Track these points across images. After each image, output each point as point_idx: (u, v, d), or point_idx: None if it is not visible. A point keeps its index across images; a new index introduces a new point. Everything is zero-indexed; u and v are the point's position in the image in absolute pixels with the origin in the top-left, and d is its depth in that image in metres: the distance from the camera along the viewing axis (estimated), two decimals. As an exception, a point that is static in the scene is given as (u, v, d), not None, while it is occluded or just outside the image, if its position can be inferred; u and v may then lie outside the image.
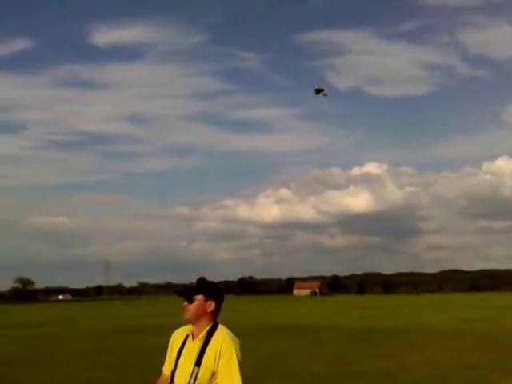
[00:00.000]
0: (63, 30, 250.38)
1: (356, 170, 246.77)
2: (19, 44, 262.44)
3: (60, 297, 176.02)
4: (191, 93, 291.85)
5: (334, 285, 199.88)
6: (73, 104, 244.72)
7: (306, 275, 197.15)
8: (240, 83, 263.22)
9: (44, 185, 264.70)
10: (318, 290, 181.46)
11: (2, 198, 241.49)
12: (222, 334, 3.93)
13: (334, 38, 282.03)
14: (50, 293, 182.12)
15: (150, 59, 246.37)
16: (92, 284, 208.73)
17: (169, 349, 4.16)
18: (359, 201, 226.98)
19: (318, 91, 71.49)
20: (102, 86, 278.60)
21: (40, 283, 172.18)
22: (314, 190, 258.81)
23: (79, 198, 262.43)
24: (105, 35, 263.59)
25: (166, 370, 4.12)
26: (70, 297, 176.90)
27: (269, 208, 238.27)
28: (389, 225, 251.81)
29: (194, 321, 3.99)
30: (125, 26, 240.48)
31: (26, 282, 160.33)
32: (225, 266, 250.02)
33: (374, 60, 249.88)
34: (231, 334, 3.98)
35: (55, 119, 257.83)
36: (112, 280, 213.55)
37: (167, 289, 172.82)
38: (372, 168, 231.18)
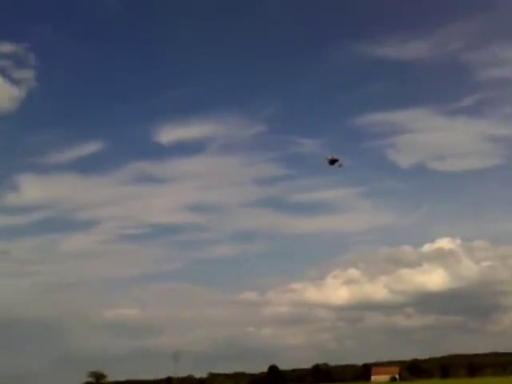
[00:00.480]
0: (131, 131, 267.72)
1: (427, 247, 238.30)
2: (92, 146, 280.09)
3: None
4: (252, 180, 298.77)
5: (414, 369, 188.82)
6: (141, 198, 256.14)
7: (382, 360, 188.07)
8: (300, 167, 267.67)
9: (117, 277, 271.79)
10: (397, 376, 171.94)
11: (76, 292, 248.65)
12: None
13: (393, 119, 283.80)
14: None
15: (211, 152, 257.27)
16: (162, 375, 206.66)
17: None
18: (434, 278, 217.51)
19: (332, 162, 69.98)
20: (167, 180, 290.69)
21: (112, 376, 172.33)
22: (384, 269, 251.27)
23: (150, 288, 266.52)
24: (168, 133, 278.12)
25: None
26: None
27: (337, 289, 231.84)
28: (468, 302, 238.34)
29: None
30: (186, 124, 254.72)
31: (98, 376, 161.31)
32: (296, 351, 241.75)
33: (436, 136, 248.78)
34: None
35: (126, 214, 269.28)
36: (182, 370, 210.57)
37: (237, 378, 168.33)
38: (444, 243, 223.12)
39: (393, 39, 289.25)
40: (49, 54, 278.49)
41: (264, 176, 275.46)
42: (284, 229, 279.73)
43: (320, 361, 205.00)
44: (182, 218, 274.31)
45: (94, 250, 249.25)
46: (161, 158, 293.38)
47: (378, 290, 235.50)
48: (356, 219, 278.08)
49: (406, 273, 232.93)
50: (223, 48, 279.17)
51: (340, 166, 64.42)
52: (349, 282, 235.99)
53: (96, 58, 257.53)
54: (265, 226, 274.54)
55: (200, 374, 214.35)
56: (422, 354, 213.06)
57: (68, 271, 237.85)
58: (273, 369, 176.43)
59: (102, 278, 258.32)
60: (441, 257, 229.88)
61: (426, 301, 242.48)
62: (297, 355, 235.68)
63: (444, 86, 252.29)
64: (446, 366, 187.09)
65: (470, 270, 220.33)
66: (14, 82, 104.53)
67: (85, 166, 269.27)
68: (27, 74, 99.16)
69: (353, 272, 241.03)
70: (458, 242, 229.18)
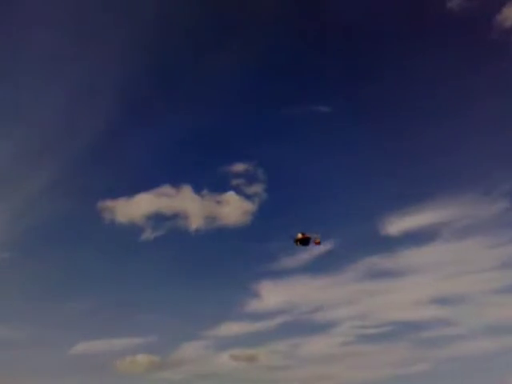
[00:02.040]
0: (358, 228, 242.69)
1: None
2: (322, 247, 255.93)
3: None
4: (499, 264, 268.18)
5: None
6: (376, 295, 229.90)
7: None
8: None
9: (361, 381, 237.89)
10: None
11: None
12: None
13: None
14: None
15: (445, 238, 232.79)
16: None
17: None
18: None
19: (303, 241, 64.01)
20: (401, 273, 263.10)
21: None
22: None
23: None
24: (396, 224, 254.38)
25: None
26: None
27: None
28: None
29: None
30: (414, 213, 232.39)
31: None
32: None
33: None
34: None
35: (363, 312, 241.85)
36: None
37: None
38: None
39: None
40: (274, 168, 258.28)
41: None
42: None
43: None
44: (425, 312, 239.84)
45: (335, 353, 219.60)
46: (391, 250, 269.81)
47: None
48: None
49: None
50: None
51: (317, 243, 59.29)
52: None
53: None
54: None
55: None
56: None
57: (310, 377, 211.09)
58: None
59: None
60: None
61: None
62: None
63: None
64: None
65: None
66: (247, 197, 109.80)
67: (316, 267, 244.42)
68: (257, 189, 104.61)
69: None
70: None
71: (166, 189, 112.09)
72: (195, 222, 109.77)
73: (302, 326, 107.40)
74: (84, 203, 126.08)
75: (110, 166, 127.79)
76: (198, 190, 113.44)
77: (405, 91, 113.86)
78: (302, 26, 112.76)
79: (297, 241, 59.76)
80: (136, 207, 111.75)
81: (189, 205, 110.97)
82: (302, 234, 59.04)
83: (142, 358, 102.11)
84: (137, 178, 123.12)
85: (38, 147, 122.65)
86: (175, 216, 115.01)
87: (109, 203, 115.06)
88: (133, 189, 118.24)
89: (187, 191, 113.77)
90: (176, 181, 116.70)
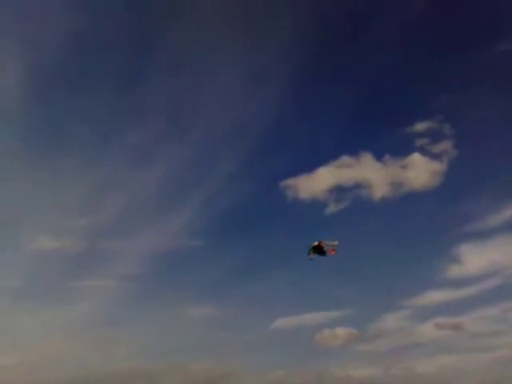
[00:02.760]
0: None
1: None
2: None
3: None
4: None
5: None
6: None
7: None
8: None
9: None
10: None
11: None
12: None
13: None
14: None
15: None
16: None
17: None
18: None
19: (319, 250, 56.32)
20: None
21: None
22: None
23: None
24: None
25: None
26: None
27: None
28: None
29: None
30: None
31: None
32: None
33: None
34: None
35: None
36: None
37: None
38: None
39: None
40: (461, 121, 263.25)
41: None
42: None
43: None
44: None
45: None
46: None
47: None
48: None
49: None
50: None
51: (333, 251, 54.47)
52: None
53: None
54: None
55: None
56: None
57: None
58: None
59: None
60: None
61: None
62: None
63: None
64: None
65: None
66: (434, 157, 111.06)
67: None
68: (445, 146, 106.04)
69: None
70: None
71: (345, 159, 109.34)
72: (379, 191, 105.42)
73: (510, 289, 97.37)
74: (267, 184, 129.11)
75: (287, 145, 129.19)
76: (378, 156, 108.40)
77: None
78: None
79: (313, 249, 54.04)
80: (317, 182, 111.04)
81: (371, 173, 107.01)
82: (319, 243, 53.71)
83: (341, 332, 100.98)
84: (314, 153, 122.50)
85: (221, 136, 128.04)
86: (357, 186, 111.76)
87: (290, 181, 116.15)
88: (312, 164, 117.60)
89: (367, 159, 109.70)
90: (354, 150, 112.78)
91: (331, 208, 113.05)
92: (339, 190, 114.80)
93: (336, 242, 53.78)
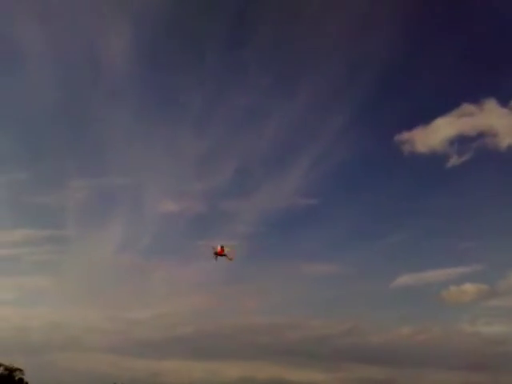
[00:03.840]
0: None
1: None
2: None
3: None
4: None
5: None
6: None
7: None
8: None
9: None
10: None
11: None
12: None
13: None
14: None
15: None
16: None
17: None
18: None
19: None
20: None
21: None
22: None
23: None
24: None
25: None
26: None
27: None
28: None
29: None
30: None
31: None
32: None
33: None
34: None
35: None
36: None
37: None
38: None
39: None
40: None
41: None
42: None
43: None
44: None
45: None
46: None
47: None
48: None
49: None
50: None
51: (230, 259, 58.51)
52: None
53: None
54: None
55: None
56: None
57: None
58: None
59: None
60: None
61: None
62: None
63: None
64: None
65: None
66: None
67: None
68: None
69: None
70: None
71: (467, 107, 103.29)
72: (507, 139, 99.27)
73: None
74: (381, 139, 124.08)
75: (400, 97, 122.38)
76: (504, 101, 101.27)
77: None
78: None
79: (216, 254, 58.51)
80: (435, 134, 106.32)
81: (496, 121, 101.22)
82: (221, 248, 58.29)
83: (469, 287, 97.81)
84: (430, 103, 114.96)
85: (330, 89, 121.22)
86: (481, 136, 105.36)
87: (406, 135, 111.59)
88: (428, 115, 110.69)
89: (491, 106, 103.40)
90: (476, 97, 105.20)
91: (453, 160, 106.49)
92: (461, 141, 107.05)
93: (234, 249, 58.28)
